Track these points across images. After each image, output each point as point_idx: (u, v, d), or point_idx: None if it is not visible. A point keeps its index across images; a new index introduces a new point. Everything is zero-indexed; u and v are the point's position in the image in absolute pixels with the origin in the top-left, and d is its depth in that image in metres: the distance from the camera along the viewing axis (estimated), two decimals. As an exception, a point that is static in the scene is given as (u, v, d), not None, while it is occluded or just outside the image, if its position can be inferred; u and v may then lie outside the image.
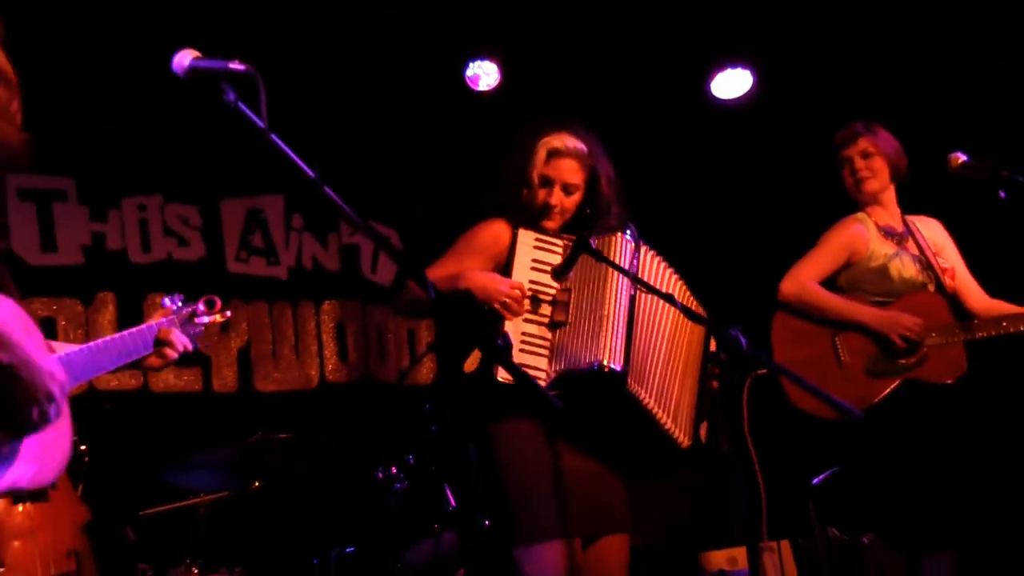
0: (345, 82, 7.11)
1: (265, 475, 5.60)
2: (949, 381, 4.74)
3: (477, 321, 4.07)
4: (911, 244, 5.02)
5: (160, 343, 3.33)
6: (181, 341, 3.39)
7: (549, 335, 4.19)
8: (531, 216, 4.35)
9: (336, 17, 6.99)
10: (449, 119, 7.63)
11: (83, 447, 5.34)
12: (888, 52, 7.32)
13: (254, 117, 2.89)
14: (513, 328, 4.09)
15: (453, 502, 5.49)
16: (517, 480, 4.21)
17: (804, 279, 4.94)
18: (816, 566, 6.88)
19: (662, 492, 5.20)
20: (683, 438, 4.31)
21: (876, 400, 4.75)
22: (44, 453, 2.84)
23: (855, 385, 4.77)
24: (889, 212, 5.09)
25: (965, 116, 6.81)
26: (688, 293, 4.48)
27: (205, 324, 3.57)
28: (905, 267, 4.93)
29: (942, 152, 4.87)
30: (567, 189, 4.35)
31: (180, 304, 3.52)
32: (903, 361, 4.77)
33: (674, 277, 4.46)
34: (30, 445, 2.79)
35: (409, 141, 7.46)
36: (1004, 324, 4.77)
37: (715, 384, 4.47)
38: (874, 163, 5.03)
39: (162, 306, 3.48)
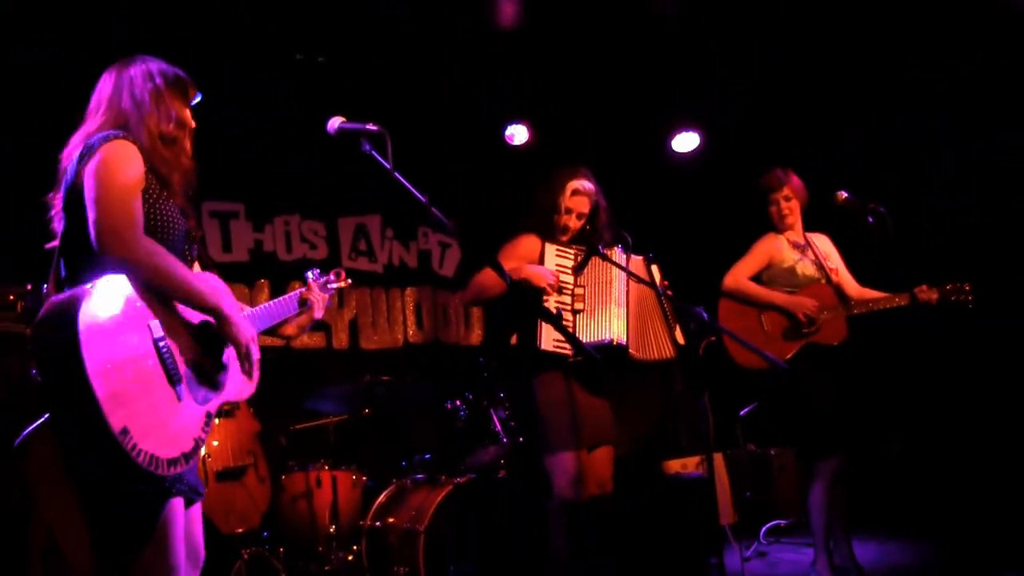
0: (417, 139, 6.91)
1: (372, 404, 5.65)
2: (835, 343, 4.79)
3: (527, 297, 4.17)
4: (810, 252, 5.05)
5: (303, 304, 3.31)
6: (321, 298, 3.36)
7: (571, 318, 4.30)
8: (552, 231, 4.47)
9: (411, 90, 6.91)
10: (491, 167, 7.57)
11: (253, 383, 5.43)
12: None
13: (383, 160, 2.97)
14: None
15: (498, 425, 5.47)
16: (547, 413, 4.33)
17: (739, 276, 5.01)
18: (740, 469, 6.91)
19: (631, 416, 5.22)
20: (669, 354, 4.43)
21: (787, 357, 4.80)
22: (242, 380, 2.87)
23: (774, 346, 4.80)
24: (796, 231, 5.11)
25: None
26: (660, 275, 4.55)
27: (335, 287, 3.53)
28: (806, 268, 4.98)
29: (833, 190, 4.94)
30: (579, 216, 4.49)
31: (319, 274, 3.50)
32: (805, 330, 4.82)
33: (653, 267, 4.52)
34: (233, 375, 2.83)
35: (463, 183, 7.34)
36: (870, 304, 4.84)
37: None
38: (792, 204, 5.07)
39: (306, 278, 3.45)
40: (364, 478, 5.54)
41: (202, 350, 2.70)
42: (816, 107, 7.22)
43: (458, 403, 5.59)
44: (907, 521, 6.16)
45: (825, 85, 7.09)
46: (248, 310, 3.07)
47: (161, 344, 2.50)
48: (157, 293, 2.56)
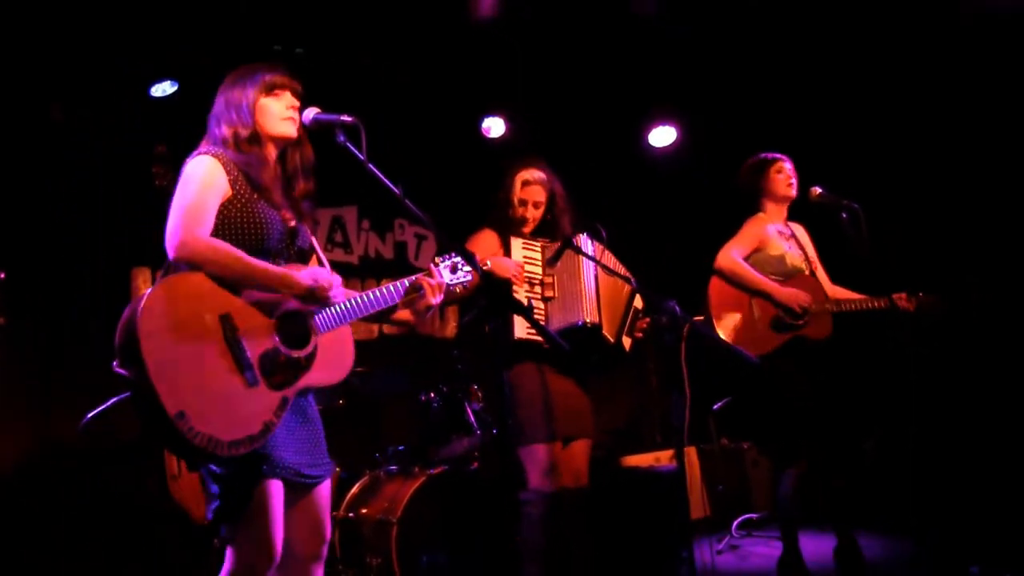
0: (394, 131, 6.77)
1: (346, 395, 5.64)
2: (821, 338, 4.82)
3: (497, 289, 4.17)
4: (794, 241, 5.05)
5: (416, 289, 3.16)
6: (437, 285, 3.19)
7: (543, 306, 4.34)
8: (513, 225, 4.53)
9: (388, 82, 6.95)
10: (468, 160, 7.55)
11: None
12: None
13: (357, 152, 3.02)
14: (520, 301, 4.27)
15: (471, 417, 5.49)
16: (522, 404, 4.38)
17: (734, 256, 4.91)
18: (713, 463, 6.97)
19: (605, 409, 5.25)
20: (612, 340, 4.47)
21: (772, 347, 4.79)
22: (330, 366, 3.00)
23: (761, 335, 4.81)
24: (780, 217, 5.09)
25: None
26: (622, 266, 4.59)
27: (464, 277, 3.27)
28: (794, 258, 4.97)
29: (807, 185, 4.96)
30: (536, 205, 4.59)
31: (447, 258, 3.29)
32: (794, 322, 4.82)
33: (613, 258, 4.56)
34: (321, 361, 2.94)
35: (439, 175, 7.32)
36: (851, 304, 4.87)
37: (638, 335, 4.61)
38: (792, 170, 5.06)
39: (431, 266, 3.27)
40: (338, 469, 5.53)
41: (283, 339, 2.85)
42: (795, 101, 7.24)
43: (432, 395, 5.58)
44: (881, 516, 6.21)
45: (804, 79, 7.12)
46: (354, 295, 3.10)
47: (230, 335, 2.71)
48: (234, 287, 2.78)
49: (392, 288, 3.17)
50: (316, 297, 2.94)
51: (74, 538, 5.54)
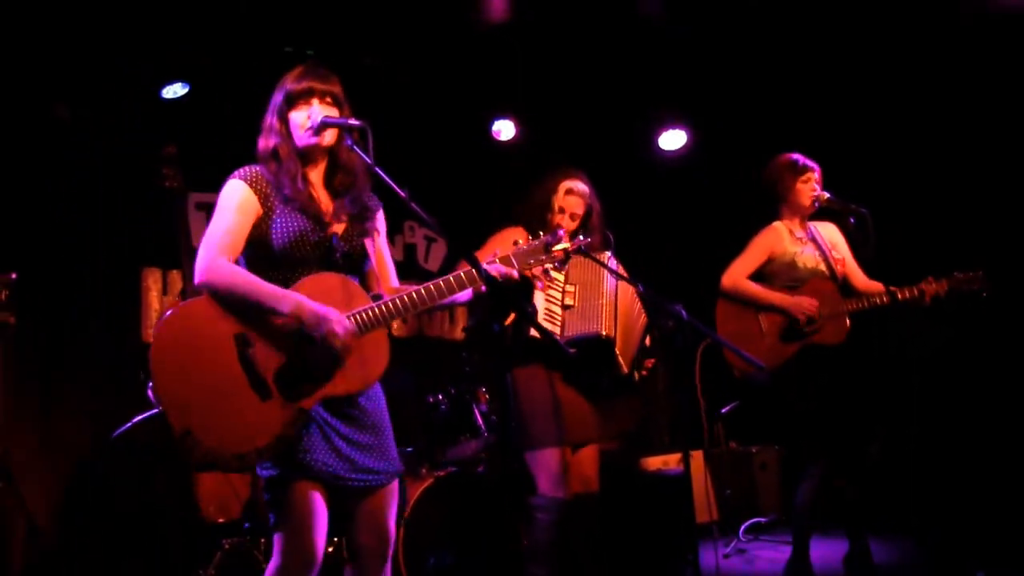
0: (404, 133, 6.77)
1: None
2: (836, 343, 4.76)
3: (515, 290, 4.14)
4: (812, 244, 4.98)
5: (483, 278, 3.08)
6: (496, 271, 3.20)
7: (560, 313, 4.34)
8: (544, 229, 4.48)
9: (399, 84, 6.96)
10: (473, 161, 7.59)
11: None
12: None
13: (364, 155, 3.02)
14: (538, 305, 4.29)
15: (479, 419, 5.49)
16: (529, 407, 4.39)
17: (737, 276, 4.92)
18: (721, 467, 6.96)
19: (615, 414, 5.21)
20: (626, 369, 4.44)
21: (785, 358, 4.78)
22: (358, 372, 2.97)
23: (772, 348, 4.79)
24: (799, 221, 5.04)
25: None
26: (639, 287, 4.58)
27: (542, 260, 3.32)
28: (807, 260, 4.91)
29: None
30: (573, 217, 4.53)
31: (526, 243, 3.31)
32: (805, 330, 4.78)
33: (622, 269, 4.55)
34: (350, 369, 2.93)
35: (450, 178, 7.34)
36: (874, 299, 4.76)
37: (644, 372, 4.62)
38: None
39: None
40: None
41: (299, 352, 2.85)
42: (804, 105, 7.22)
43: (440, 396, 5.59)
44: (884, 518, 6.20)
45: (813, 82, 7.11)
46: (408, 290, 3.14)
47: (244, 353, 2.81)
48: (247, 307, 2.82)
49: (454, 278, 3.18)
50: (303, 327, 2.83)
51: (77, 536, 5.59)
